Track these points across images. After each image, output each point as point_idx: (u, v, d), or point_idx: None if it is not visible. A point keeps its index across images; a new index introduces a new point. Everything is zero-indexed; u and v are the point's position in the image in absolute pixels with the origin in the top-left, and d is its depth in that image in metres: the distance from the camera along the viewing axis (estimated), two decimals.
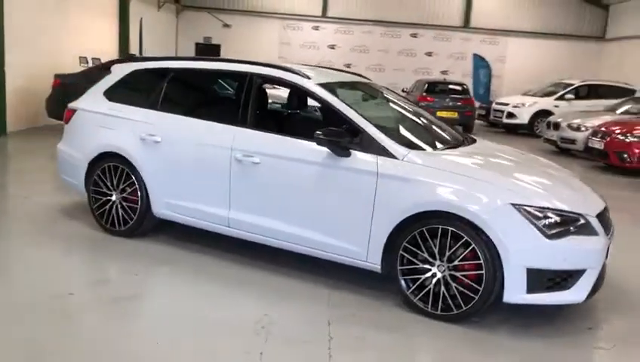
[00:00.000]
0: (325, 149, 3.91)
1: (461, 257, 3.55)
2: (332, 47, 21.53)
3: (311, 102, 4.92)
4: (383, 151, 3.80)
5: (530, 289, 3.44)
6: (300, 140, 4.13)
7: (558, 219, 3.49)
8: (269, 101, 5.35)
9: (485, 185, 3.61)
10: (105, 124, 4.87)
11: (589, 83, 16.56)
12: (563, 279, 3.48)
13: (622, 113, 13.24)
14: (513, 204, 3.46)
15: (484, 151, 4.41)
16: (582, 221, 3.54)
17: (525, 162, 4.40)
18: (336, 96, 4.17)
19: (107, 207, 4.85)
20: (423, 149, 4.03)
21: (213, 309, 3.67)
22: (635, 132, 10.54)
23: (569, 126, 12.47)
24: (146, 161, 4.62)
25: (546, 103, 16.14)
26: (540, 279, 3.45)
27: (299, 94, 4.90)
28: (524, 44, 21.23)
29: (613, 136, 10.72)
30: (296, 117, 5.29)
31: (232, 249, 4.62)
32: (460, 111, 15.85)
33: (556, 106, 15.84)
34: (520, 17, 21.13)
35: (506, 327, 3.63)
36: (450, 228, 3.55)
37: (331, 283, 4.12)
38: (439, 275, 3.64)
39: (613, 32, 20.57)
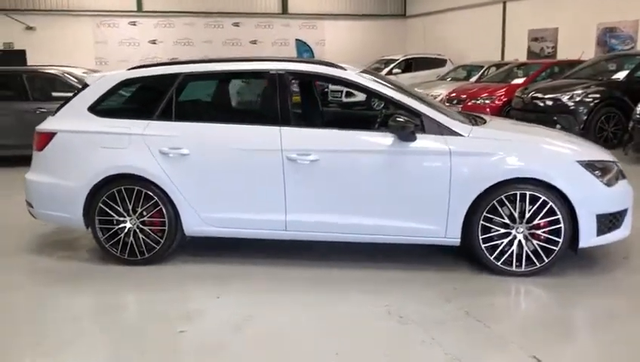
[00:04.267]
0: (390, 137, 3.99)
1: (540, 215, 3.93)
2: (153, 42, 20.49)
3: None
4: (448, 131, 4.00)
5: (599, 233, 3.97)
6: (356, 131, 4.13)
7: (606, 168, 4.06)
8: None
9: (548, 150, 4.05)
10: (106, 143, 4.25)
11: (410, 57, 18.28)
12: (616, 219, 4.08)
13: (452, 80, 15.01)
14: (578, 161, 3.95)
15: (509, 125, 4.88)
16: (617, 167, 4.16)
17: (541, 129, 4.96)
18: (382, 84, 4.23)
19: (122, 235, 4.27)
20: (477, 125, 4.31)
21: (341, 314, 3.56)
22: (482, 95, 12.10)
23: None
24: (172, 177, 4.17)
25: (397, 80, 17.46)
26: (605, 222, 3.99)
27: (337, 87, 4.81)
28: (340, 26, 22.54)
29: (466, 102, 12.17)
30: (339, 111, 5.20)
31: (260, 252, 4.43)
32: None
33: None
34: (333, 1, 22.35)
35: (559, 268, 4.14)
36: (528, 192, 3.92)
37: (402, 267, 4.23)
38: (519, 237, 3.99)
39: (412, 10, 22.88)
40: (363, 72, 4.49)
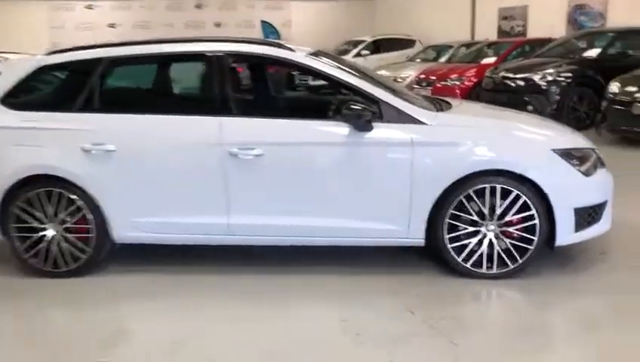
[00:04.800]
0: (344, 126, 3.52)
1: (513, 211, 3.52)
2: (112, 25, 19.62)
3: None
4: (409, 119, 3.54)
5: (577, 229, 3.58)
6: (307, 121, 3.65)
7: (584, 156, 3.66)
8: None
9: (520, 137, 3.63)
10: (20, 140, 3.69)
11: (378, 38, 17.78)
12: (596, 212, 3.69)
13: (421, 62, 14.59)
14: (554, 150, 3.53)
15: (478, 109, 4.45)
16: (595, 154, 3.76)
17: (513, 113, 4.53)
18: (335, 66, 3.75)
19: (43, 245, 3.73)
20: (442, 111, 3.85)
21: (290, 332, 3.10)
22: (452, 76, 11.70)
23: None
24: (95, 177, 3.64)
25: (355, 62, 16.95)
26: (584, 216, 3.60)
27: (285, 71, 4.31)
28: (307, 7, 21.88)
29: (436, 83, 11.76)
30: (287, 97, 4.69)
31: (204, 260, 3.95)
32: (272, 79, 15.78)
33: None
34: None
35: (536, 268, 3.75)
36: (500, 186, 3.49)
37: (362, 271, 3.79)
38: (490, 235, 3.58)
39: None
40: (316, 53, 3.99)
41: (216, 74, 3.68)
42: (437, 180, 3.50)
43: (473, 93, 10.98)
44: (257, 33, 21.06)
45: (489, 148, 3.52)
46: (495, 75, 10.10)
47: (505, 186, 3.48)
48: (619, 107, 7.86)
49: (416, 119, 3.55)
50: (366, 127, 3.50)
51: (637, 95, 7.64)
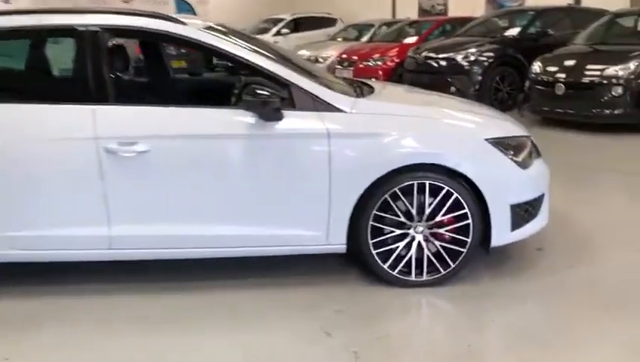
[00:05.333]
0: (249, 115, 2.94)
1: (444, 211, 3.08)
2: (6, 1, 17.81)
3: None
4: (325, 106, 3.01)
5: (514, 227, 3.19)
6: (206, 109, 3.04)
7: (519, 145, 3.26)
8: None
9: (450, 126, 3.18)
10: None
11: (298, 16, 17.15)
12: (533, 207, 3.31)
13: (342, 41, 14.13)
14: (488, 139, 3.11)
15: (402, 93, 3.97)
16: (530, 143, 3.38)
17: (441, 97, 4.09)
18: (238, 43, 3.14)
19: None
20: (362, 97, 3.34)
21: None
22: (374, 56, 11.30)
23: (307, 59, 12.77)
24: None
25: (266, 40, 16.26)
26: (520, 213, 3.21)
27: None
28: None
29: (358, 64, 11.32)
30: (183, 81, 4.01)
31: (88, 277, 3.30)
32: (189, 59, 14.86)
33: (276, 42, 16.09)
34: None
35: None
36: (429, 182, 3.04)
37: (273, 282, 3.25)
38: (419, 238, 3.13)
39: None
40: (214, 27, 3.36)
41: (89, 52, 2.99)
42: (358, 177, 3.00)
43: (396, 74, 10.64)
44: (171, 10, 19.84)
45: (416, 140, 3.05)
46: (417, 55, 9.77)
47: (434, 182, 3.04)
48: (541, 87, 7.70)
49: (334, 106, 3.02)
50: (274, 115, 2.94)
51: (559, 75, 7.50)
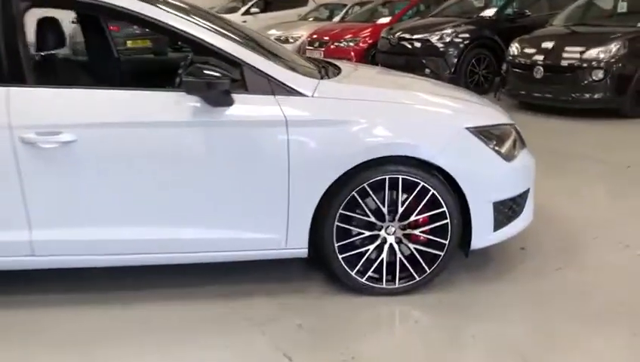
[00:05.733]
0: (194, 100, 2.51)
1: (419, 209, 2.72)
2: None
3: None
4: (283, 89, 2.60)
5: (497, 226, 2.84)
6: (143, 92, 2.60)
7: (503, 135, 2.90)
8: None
9: (427, 113, 2.79)
10: None
11: None
12: (517, 204, 2.97)
13: (314, 20, 13.65)
14: (469, 128, 2.73)
15: (373, 75, 3.57)
16: (515, 132, 3.02)
17: (417, 80, 3.70)
18: (181, 16, 2.70)
19: None
20: (327, 78, 2.93)
21: None
22: (346, 37, 10.86)
23: (277, 40, 12.27)
24: None
25: (234, 20, 15.65)
26: (504, 211, 2.87)
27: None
28: None
29: (329, 44, 10.88)
30: (125, 62, 3.54)
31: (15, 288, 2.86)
32: (153, 39, 14.20)
33: (244, 22, 15.50)
34: None
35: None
36: (402, 177, 2.66)
37: (225, 290, 2.86)
38: (391, 240, 2.76)
39: None
40: (167, 2, 2.89)
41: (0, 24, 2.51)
42: (321, 172, 2.61)
43: (368, 55, 10.23)
44: None
45: (388, 128, 2.66)
46: (391, 35, 9.37)
47: (408, 178, 2.66)
48: (519, 70, 7.38)
49: (293, 89, 2.61)
50: (222, 100, 2.52)
51: (537, 57, 7.19)
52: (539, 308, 2.74)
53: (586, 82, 6.70)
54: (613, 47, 6.62)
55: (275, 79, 2.59)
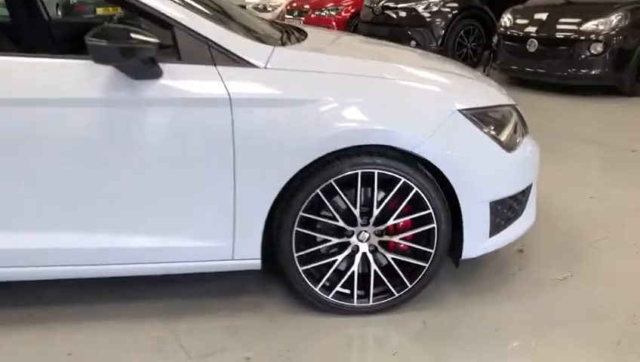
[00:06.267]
0: (109, 71, 1.94)
1: (399, 211, 2.18)
2: None
3: None
4: (226, 57, 2.03)
5: (493, 231, 2.32)
6: (47, 60, 2.01)
7: (503, 119, 2.37)
8: None
9: (412, 90, 2.23)
10: None
11: None
12: (518, 203, 2.45)
13: None
14: (461, 111, 2.19)
15: (350, 41, 3.00)
16: (516, 115, 2.48)
17: (400, 49, 3.12)
18: None
19: None
20: (286, 45, 2.35)
21: None
22: (327, 5, 10.22)
23: (255, 8, 11.59)
24: None
25: None
26: (502, 212, 2.35)
27: None
28: None
29: (309, 13, 10.22)
30: (36, 25, 2.93)
31: None
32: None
33: None
34: None
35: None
36: (378, 171, 2.12)
37: (163, 313, 2.32)
38: (364, 248, 2.23)
39: None
40: None
41: None
42: (276, 165, 2.05)
43: (351, 25, 9.62)
44: None
45: (361, 110, 2.10)
46: (374, 4, 8.74)
47: (386, 172, 2.12)
48: (511, 43, 6.84)
49: (240, 58, 2.04)
50: (146, 71, 1.94)
51: (531, 29, 6.64)
52: (542, 330, 2.24)
53: (583, 56, 6.19)
54: (614, 18, 6.10)
55: (216, 45, 2.02)
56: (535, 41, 6.50)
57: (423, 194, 2.15)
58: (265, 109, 2.02)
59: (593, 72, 6.18)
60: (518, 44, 6.71)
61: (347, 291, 2.27)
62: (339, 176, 2.10)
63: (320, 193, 2.11)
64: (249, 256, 2.17)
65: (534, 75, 6.66)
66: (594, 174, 4.00)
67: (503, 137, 2.29)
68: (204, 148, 2.01)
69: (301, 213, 2.13)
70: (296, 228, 2.15)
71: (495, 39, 7.11)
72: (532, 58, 6.56)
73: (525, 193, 2.46)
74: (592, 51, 6.11)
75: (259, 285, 2.49)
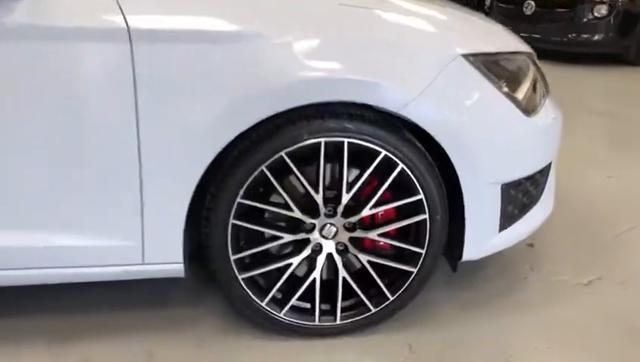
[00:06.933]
0: None
1: (378, 196, 1.56)
2: None
3: None
4: None
5: (504, 223, 1.71)
6: None
7: (518, 72, 1.75)
8: None
9: (399, 27, 1.58)
10: None
11: None
12: (536, 186, 1.84)
13: None
14: (466, 57, 1.56)
15: None
16: (534, 65, 1.86)
17: None
18: None
19: None
20: None
21: None
22: None
23: None
24: None
25: None
26: (517, 198, 1.74)
27: None
28: None
29: None
30: None
31: None
32: None
33: None
34: None
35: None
36: (349, 140, 1.49)
37: (80, 326, 1.69)
38: (329, 247, 1.62)
39: None
40: None
41: None
42: (200, 129, 1.42)
43: None
44: None
45: (327, 52, 1.46)
46: None
47: (361, 141, 1.49)
48: (506, 5, 6.21)
49: None
50: None
51: None
52: (566, 356, 1.66)
53: (585, 20, 5.60)
54: None
55: None
56: (532, 2, 5.87)
57: (411, 173, 1.54)
58: (182, 47, 1.37)
59: (596, 38, 5.59)
60: (512, 5, 6.09)
61: (306, 305, 1.66)
62: (293, 147, 1.47)
63: (266, 171, 1.48)
64: (166, 258, 1.54)
65: (529, 39, 6.01)
66: (608, 150, 3.42)
67: (520, 95, 1.68)
68: (88, 100, 1.37)
69: (239, 200, 1.50)
70: (232, 221, 1.52)
71: (488, 1, 6.48)
72: (528, 21, 5.94)
73: (544, 173, 1.86)
74: (596, 14, 5.52)
75: (191, 296, 1.87)
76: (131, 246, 1.50)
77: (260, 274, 1.62)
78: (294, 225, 1.59)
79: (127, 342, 1.64)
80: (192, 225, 1.53)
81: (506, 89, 1.63)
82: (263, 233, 1.60)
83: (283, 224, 1.60)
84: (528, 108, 1.68)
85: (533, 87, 1.77)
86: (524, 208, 1.80)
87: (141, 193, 1.45)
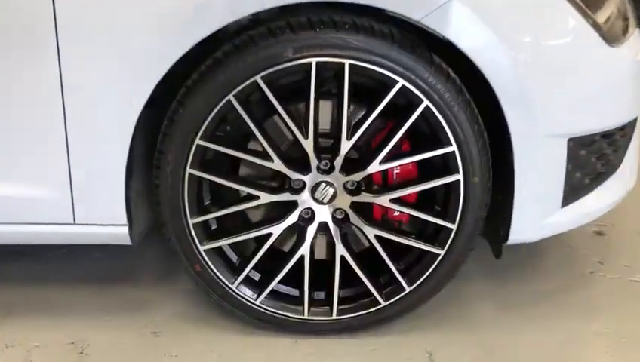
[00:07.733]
0: None
1: (392, 144, 1.12)
2: None
3: None
4: None
5: (569, 195, 1.24)
6: None
7: None
8: None
9: None
10: None
11: None
12: (615, 148, 1.35)
13: None
14: None
15: None
16: None
17: None
18: None
19: None
20: None
21: None
22: None
23: None
24: None
25: None
26: (588, 162, 1.27)
27: None
28: None
29: None
30: None
31: None
32: None
33: None
34: None
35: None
36: (350, 62, 1.06)
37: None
38: (323, 214, 1.19)
39: None
40: None
41: None
42: (139, 41, 1.02)
43: None
44: None
45: None
46: None
47: (368, 65, 1.06)
48: None
49: None
50: None
51: None
52: None
53: None
54: None
55: None
56: None
57: (439, 115, 1.09)
58: None
59: None
60: None
61: (293, 291, 1.25)
62: (273, 69, 1.05)
63: (235, 102, 1.07)
64: (104, 219, 1.16)
65: None
66: None
67: (602, 18, 1.20)
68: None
69: (199, 141, 1.09)
70: (189, 170, 1.12)
71: None
72: None
73: (627, 131, 1.37)
74: None
75: (150, 273, 1.49)
76: (57, 200, 1.12)
77: (231, 246, 1.21)
78: (276, 182, 1.17)
79: (60, 326, 1.27)
80: (136, 173, 1.14)
81: (582, 7, 1.15)
82: (236, 191, 1.19)
83: (259, 180, 1.19)
84: (611, 36, 1.20)
85: (618, 13, 1.29)
86: (597, 177, 1.32)
87: (65, 130, 1.07)
